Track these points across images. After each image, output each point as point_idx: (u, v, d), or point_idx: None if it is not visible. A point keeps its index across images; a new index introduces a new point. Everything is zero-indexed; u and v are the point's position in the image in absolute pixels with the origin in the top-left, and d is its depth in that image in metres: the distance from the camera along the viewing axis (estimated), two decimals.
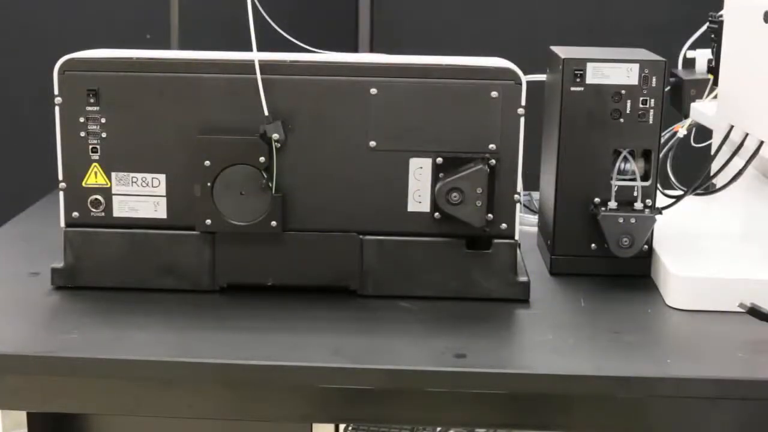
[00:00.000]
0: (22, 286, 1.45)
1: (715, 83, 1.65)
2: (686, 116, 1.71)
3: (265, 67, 1.36)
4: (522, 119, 1.37)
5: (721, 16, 1.63)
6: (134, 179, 1.41)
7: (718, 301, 1.37)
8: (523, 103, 1.37)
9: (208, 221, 1.39)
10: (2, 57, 2.91)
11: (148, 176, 1.41)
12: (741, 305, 1.27)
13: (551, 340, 1.30)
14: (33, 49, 2.84)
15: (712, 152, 1.57)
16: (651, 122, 1.48)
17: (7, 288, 1.46)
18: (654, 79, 1.47)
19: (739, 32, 1.55)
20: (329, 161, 1.39)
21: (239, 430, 1.84)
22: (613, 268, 1.50)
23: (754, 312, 1.27)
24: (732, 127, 1.51)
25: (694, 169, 1.54)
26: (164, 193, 1.41)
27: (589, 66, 1.47)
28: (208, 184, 1.38)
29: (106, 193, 1.41)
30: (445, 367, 1.21)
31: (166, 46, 2.79)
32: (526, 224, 1.69)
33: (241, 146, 1.38)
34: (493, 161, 1.38)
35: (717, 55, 1.64)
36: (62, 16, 2.91)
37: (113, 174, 1.41)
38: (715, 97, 1.64)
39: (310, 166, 1.39)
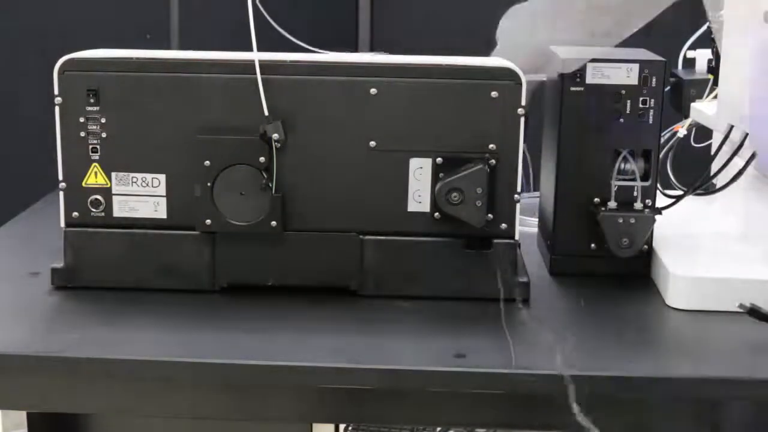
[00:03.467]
0: (22, 286, 1.45)
1: (715, 83, 1.65)
2: (686, 116, 1.71)
3: (265, 67, 1.36)
4: (522, 119, 1.37)
5: (721, 16, 1.63)
6: (134, 179, 1.41)
7: (718, 301, 1.37)
8: (523, 103, 1.37)
9: (208, 221, 1.39)
10: (2, 57, 2.91)
11: (148, 176, 1.41)
12: (741, 306, 1.27)
13: (551, 340, 1.30)
14: (33, 49, 2.84)
15: (712, 152, 1.56)
16: (651, 122, 1.48)
17: (7, 288, 1.46)
18: (654, 79, 1.47)
19: (740, 32, 1.55)
20: (329, 161, 1.39)
21: (239, 430, 1.84)
22: (613, 268, 1.50)
23: (754, 312, 1.27)
24: (732, 127, 1.51)
25: (694, 169, 1.54)
26: (164, 193, 1.41)
27: (589, 66, 1.47)
28: (208, 184, 1.38)
29: (106, 193, 1.41)
30: (445, 367, 1.21)
31: (166, 46, 2.79)
32: (526, 225, 1.69)
33: (241, 146, 1.38)
34: (493, 161, 1.38)
35: (717, 55, 1.64)
36: (62, 16, 2.90)
37: (113, 174, 1.41)
38: (715, 97, 1.64)
39: (310, 166, 1.39)
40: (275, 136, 1.37)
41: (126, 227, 1.42)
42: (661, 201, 1.52)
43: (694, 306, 1.39)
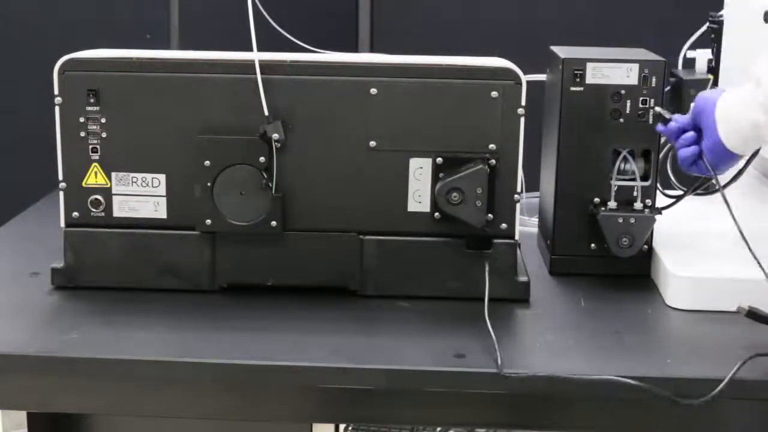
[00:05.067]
0: (22, 286, 1.45)
1: (715, 83, 1.65)
2: None
3: (265, 67, 1.36)
4: (522, 119, 1.37)
5: (721, 16, 1.63)
6: (134, 179, 1.41)
7: (718, 301, 1.37)
8: (523, 103, 1.37)
9: (208, 221, 1.39)
10: (2, 57, 2.90)
11: (148, 176, 1.41)
12: (739, 309, 1.27)
13: (551, 340, 1.30)
14: (33, 49, 2.83)
15: None
16: (651, 122, 1.48)
17: (7, 288, 1.46)
18: (654, 79, 1.47)
19: (739, 32, 1.55)
20: (329, 161, 1.39)
21: (239, 430, 1.84)
22: (613, 268, 1.50)
23: (752, 315, 1.27)
24: None
25: None
26: (164, 193, 1.41)
27: (589, 66, 1.47)
28: (208, 184, 1.38)
29: (106, 193, 1.41)
30: (445, 367, 1.21)
31: (166, 46, 2.78)
32: (526, 225, 1.69)
33: (241, 146, 1.38)
34: (493, 161, 1.38)
35: (717, 55, 1.64)
36: (62, 16, 2.90)
37: (113, 174, 1.41)
38: None
39: (310, 166, 1.39)
40: (275, 136, 1.37)
41: (126, 227, 1.42)
42: (661, 201, 1.52)
43: (694, 306, 1.39)
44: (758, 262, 1.31)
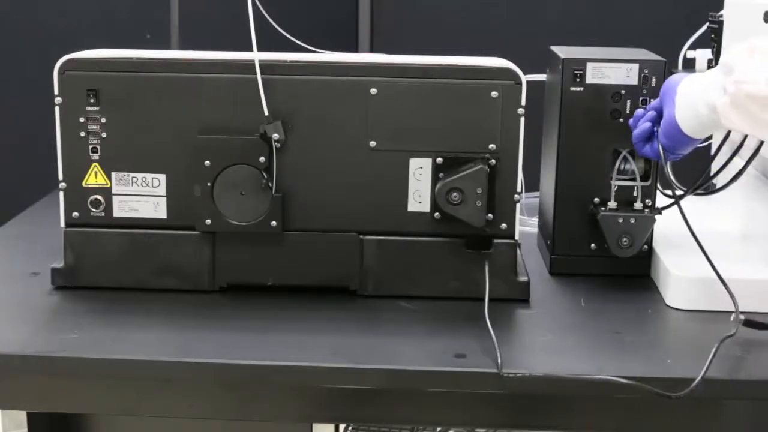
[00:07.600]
0: (22, 286, 1.45)
1: None
2: None
3: (265, 67, 1.36)
4: (522, 119, 1.37)
5: (721, 16, 1.63)
6: (134, 179, 1.41)
7: (718, 301, 1.37)
8: (523, 103, 1.37)
9: (208, 221, 1.39)
10: (2, 57, 2.91)
11: (148, 176, 1.41)
12: (735, 319, 1.27)
13: (551, 340, 1.30)
14: (33, 49, 2.84)
15: (712, 152, 1.56)
16: None
17: (7, 288, 1.46)
18: (654, 79, 1.47)
19: (739, 32, 1.55)
20: (329, 161, 1.39)
21: (239, 430, 1.84)
22: (613, 268, 1.51)
23: (749, 323, 1.27)
24: None
25: (694, 169, 1.53)
26: (164, 193, 1.41)
27: (589, 66, 1.47)
28: (208, 184, 1.38)
29: (106, 193, 1.41)
30: (445, 367, 1.21)
31: (166, 46, 2.78)
32: (526, 225, 1.69)
33: (241, 146, 1.38)
34: (493, 161, 1.38)
35: (717, 55, 1.64)
36: (62, 16, 2.90)
37: (113, 174, 1.41)
38: None
39: (310, 166, 1.39)
40: (275, 136, 1.37)
41: (126, 227, 1.42)
42: (661, 201, 1.52)
43: (694, 306, 1.39)
44: (710, 262, 1.32)
